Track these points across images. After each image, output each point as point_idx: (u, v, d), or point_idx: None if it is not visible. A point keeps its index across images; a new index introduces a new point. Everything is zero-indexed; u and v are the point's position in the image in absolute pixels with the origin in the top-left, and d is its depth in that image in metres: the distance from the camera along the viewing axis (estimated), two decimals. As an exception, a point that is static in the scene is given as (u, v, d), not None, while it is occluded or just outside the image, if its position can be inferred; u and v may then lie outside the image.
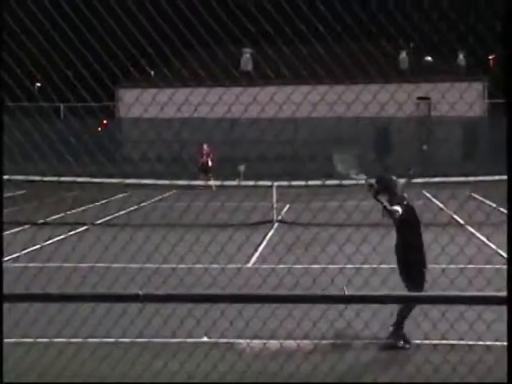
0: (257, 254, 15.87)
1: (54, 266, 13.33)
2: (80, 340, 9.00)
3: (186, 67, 31.46)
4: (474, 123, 39.02)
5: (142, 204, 25.41)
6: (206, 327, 9.19)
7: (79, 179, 21.80)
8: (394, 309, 9.42)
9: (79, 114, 30.72)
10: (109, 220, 21.67)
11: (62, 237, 18.11)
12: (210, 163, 33.80)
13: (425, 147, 39.79)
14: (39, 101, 9.22)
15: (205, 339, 9.51)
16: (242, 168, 34.33)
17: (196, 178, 30.17)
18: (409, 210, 9.66)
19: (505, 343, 4.70)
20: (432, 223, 15.05)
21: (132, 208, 24.02)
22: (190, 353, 8.62)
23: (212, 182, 28.28)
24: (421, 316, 9.06)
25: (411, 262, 9.47)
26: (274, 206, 20.99)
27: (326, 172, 30.04)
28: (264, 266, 14.01)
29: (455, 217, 19.69)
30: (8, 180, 22.64)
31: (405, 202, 9.69)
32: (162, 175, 24.17)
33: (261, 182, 21.77)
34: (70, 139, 9.29)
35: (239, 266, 13.75)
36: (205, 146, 34.22)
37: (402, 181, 10.20)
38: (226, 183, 23.95)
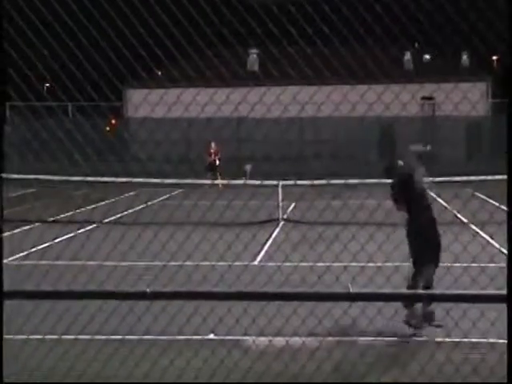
0: (263, 252, 15.96)
1: (63, 264, 13.46)
2: (87, 337, 9.10)
3: (193, 67, 31.53)
4: (477, 123, 39.01)
5: (149, 202, 25.50)
6: (213, 324, 9.28)
7: (88, 178, 21.95)
8: (398, 306, 9.49)
9: (88, 113, 30.84)
10: (117, 218, 21.78)
11: (71, 235, 18.22)
12: (217, 162, 33.74)
13: (429, 147, 39.78)
14: (48, 101, 9.32)
15: (211, 336, 9.61)
16: (248, 167, 34.41)
17: (203, 177, 30.26)
18: (409, 180, 9.93)
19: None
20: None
21: (140, 207, 24.13)
22: (197, 350, 8.72)
23: (219, 181, 28.38)
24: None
25: (418, 236, 9.69)
26: (280, 204, 21.07)
27: (331, 171, 30.10)
28: (270, 264, 14.11)
29: (459, 216, 19.73)
30: (15, 179, 22.81)
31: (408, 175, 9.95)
32: (170, 174, 24.29)
33: (267, 182, 21.87)
34: (79, 139, 9.39)
35: (245, 263, 13.84)
36: (212, 145, 34.10)
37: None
38: (233, 182, 24.05)
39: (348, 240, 9.79)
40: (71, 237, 17.95)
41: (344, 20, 5.75)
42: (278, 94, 8.85)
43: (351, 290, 4.77)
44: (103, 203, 25.73)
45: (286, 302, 8.25)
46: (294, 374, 7.96)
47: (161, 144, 33.28)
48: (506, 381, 4.61)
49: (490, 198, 22.99)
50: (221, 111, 11.21)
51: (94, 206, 24.40)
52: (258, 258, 15.31)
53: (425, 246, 9.74)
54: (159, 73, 37.19)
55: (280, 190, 21.24)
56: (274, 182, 21.71)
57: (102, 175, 22.54)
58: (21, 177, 22.78)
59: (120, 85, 38.68)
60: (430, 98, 38.98)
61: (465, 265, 11.02)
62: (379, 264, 11.60)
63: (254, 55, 42.21)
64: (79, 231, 18.86)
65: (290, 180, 22.06)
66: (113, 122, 44.78)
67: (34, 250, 15.92)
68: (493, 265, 11.71)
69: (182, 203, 21.50)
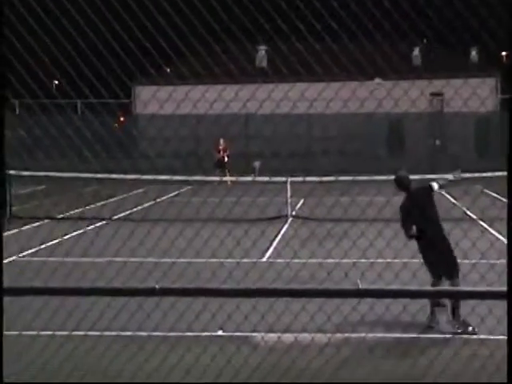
0: (271, 249, 15.98)
1: (73, 261, 13.50)
2: (97, 333, 9.13)
3: (202, 64, 31.57)
4: (486, 119, 38.91)
5: (158, 199, 25.54)
6: (222, 321, 9.30)
7: (97, 175, 22.01)
8: (406, 303, 9.49)
9: (96, 110, 30.90)
10: (126, 215, 21.83)
11: (80, 231, 18.28)
12: (226, 159, 33.66)
13: (437, 143, 39.71)
14: (57, 98, 9.35)
15: (220, 333, 9.63)
16: (256, 164, 34.42)
17: (211, 174, 30.28)
18: (413, 198, 9.98)
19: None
20: (445, 218, 15.08)
21: (149, 203, 24.17)
22: (206, 346, 8.74)
23: (228, 178, 28.39)
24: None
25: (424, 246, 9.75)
26: (289, 201, 21.07)
27: (340, 167, 30.09)
28: (278, 261, 14.12)
29: (468, 212, 19.70)
30: (25, 176, 22.89)
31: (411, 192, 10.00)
32: (178, 171, 24.33)
33: (275, 178, 21.88)
34: (88, 136, 9.42)
35: (254, 260, 13.86)
36: (221, 141, 33.99)
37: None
38: (242, 179, 24.07)
39: (357, 236, 9.79)
40: (80, 233, 18.01)
41: (352, 16, 5.75)
42: (287, 90, 8.85)
43: (360, 287, 4.77)
44: (112, 200, 25.79)
45: (294, 299, 8.26)
46: (302, 369, 7.97)
47: (169, 141, 33.35)
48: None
49: (499, 194, 22.94)
50: (229, 108, 11.21)
51: (103, 202, 24.46)
52: (267, 255, 15.32)
53: (438, 260, 9.73)
54: (168, 70, 37.23)
55: (289, 187, 21.24)
56: (283, 179, 21.72)
57: (111, 172, 22.59)
58: (30, 174, 22.86)
59: (129, 82, 38.76)
60: (439, 94, 38.89)
61: (473, 261, 11.00)
62: (388, 260, 11.59)
63: (262, 51, 42.20)
64: (88, 228, 18.91)
65: (299, 176, 22.06)
66: (121, 118, 44.87)
67: (43, 246, 15.97)
68: (502, 261, 11.68)
69: (190, 200, 21.54)
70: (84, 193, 26.73)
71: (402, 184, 10.32)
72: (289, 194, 21.18)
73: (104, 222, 19.96)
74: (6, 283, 4.93)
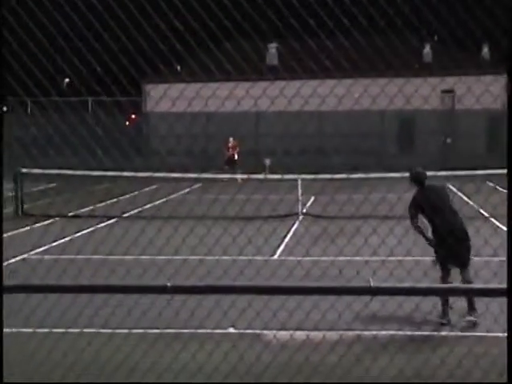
0: (282, 246, 15.96)
1: (84, 258, 13.54)
2: (109, 331, 9.14)
3: (214, 61, 31.55)
4: (498, 116, 38.77)
5: (169, 197, 25.58)
6: (233, 318, 9.30)
7: (109, 173, 22.04)
8: (418, 301, 9.46)
9: (108, 108, 30.95)
10: (138, 212, 21.87)
11: (91, 229, 18.33)
12: (236, 157, 33.60)
13: (449, 140, 39.59)
14: (68, 96, 9.37)
15: (231, 330, 9.63)
16: (267, 161, 34.38)
17: (222, 171, 30.29)
18: (429, 192, 10.14)
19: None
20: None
21: (160, 201, 24.21)
22: (218, 343, 8.75)
23: (239, 176, 28.37)
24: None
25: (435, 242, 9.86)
26: (300, 198, 21.05)
27: (351, 165, 30.06)
28: (290, 258, 14.11)
29: (480, 210, 19.63)
30: (32, 173, 22.97)
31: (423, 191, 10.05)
32: (190, 168, 24.35)
33: (286, 176, 21.86)
34: (99, 133, 9.43)
35: (265, 258, 13.86)
36: (231, 139, 33.94)
37: None
38: (253, 176, 24.07)
39: (368, 234, 9.76)
40: (92, 231, 18.06)
41: (364, 12, 5.73)
42: (298, 87, 8.83)
43: (372, 284, 4.75)
44: (124, 197, 25.84)
45: (306, 296, 8.26)
46: (314, 367, 7.96)
47: (181, 138, 33.38)
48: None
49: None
50: (240, 105, 11.22)
51: (114, 200, 24.52)
52: (278, 252, 15.31)
53: (454, 249, 9.78)
54: (178, 67, 37.25)
55: (300, 184, 21.22)
56: (294, 176, 21.69)
57: (123, 170, 22.63)
58: (41, 172, 22.93)
59: (140, 80, 38.82)
60: (450, 91, 38.78)
61: (486, 259, 10.96)
62: (400, 258, 11.56)
63: (273, 49, 42.14)
64: (100, 225, 18.96)
65: (310, 174, 22.03)
66: (133, 116, 44.97)
67: (54, 244, 16.03)
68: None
69: (202, 197, 21.56)
70: (95, 190, 26.80)
71: (417, 179, 10.41)
72: (300, 191, 21.16)
73: (115, 219, 20.00)
74: (19, 281, 4.94)
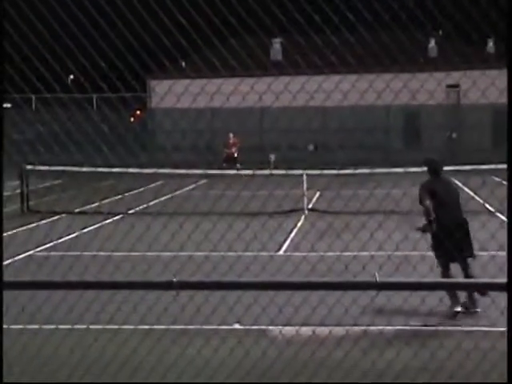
0: (288, 242, 15.96)
1: (90, 255, 13.55)
2: (115, 327, 9.16)
3: (218, 56, 31.53)
4: (503, 110, 38.67)
5: (175, 193, 25.59)
6: (239, 314, 9.30)
7: (114, 169, 22.08)
8: (424, 295, 9.45)
9: (113, 104, 30.95)
10: (143, 209, 21.89)
11: (97, 225, 18.35)
12: (235, 154, 33.05)
13: (454, 135, 39.52)
14: (73, 92, 9.37)
15: (237, 326, 9.63)
16: (272, 157, 34.37)
17: (224, 168, 30.22)
18: (442, 183, 10.45)
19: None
20: (463, 211, 15.01)
21: (166, 197, 24.23)
22: (224, 339, 8.75)
23: (245, 172, 28.30)
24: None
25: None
26: (305, 194, 21.04)
27: (356, 160, 30.03)
28: (296, 254, 14.10)
29: (486, 204, 19.60)
30: (37, 170, 22.99)
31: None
32: (195, 164, 24.36)
33: (291, 171, 21.85)
34: (105, 129, 9.44)
35: (271, 253, 13.85)
36: (231, 136, 33.46)
37: None
38: (258, 172, 24.05)
39: (374, 229, 9.75)
40: (98, 227, 18.08)
41: (369, 7, 5.72)
42: (303, 82, 8.81)
43: (378, 279, 4.74)
44: (129, 194, 25.87)
45: (312, 292, 8.26)
46: (320, 362, 7.96)
47: (186, 134, 33.38)
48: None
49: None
50: (245, 101, 11.21)
51: (120, 196, 24.54)
52: (284, 248, 15.31)
53: (457, 241, 9.92)
54: (183, 63, 37.25)
55: (305, 180, 21.21)
56: (299, 172, 21.68)
57: (128, 166, 22.66)
58: (46, 168, 22.96)
59: (144, 76, 38.83)
60: (456, 86, 38.70)
61: (492, 253, 10.94)
62: (406, 253, 11.55)
63: (277, 45, 42.12)
64: (105, 222, 18.98)
65: (315, 169, 22.02)
66: (138, 112, 45.00)
67: (60, 240, 16.05)
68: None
69: (207, 193, 21.57)
70: (101, 187, 26.82)
71: (432, 166, 10.67)
72: (305, 187, 21.15)
73: (121, 215, 20.02)
74: (25, 277, 4.95)
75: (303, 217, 19.87)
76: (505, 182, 23.07)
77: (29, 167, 22.07)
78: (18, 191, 22.03)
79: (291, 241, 16.13)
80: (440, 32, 39.71)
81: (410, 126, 41.29)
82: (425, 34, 38.21)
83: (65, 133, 9.76)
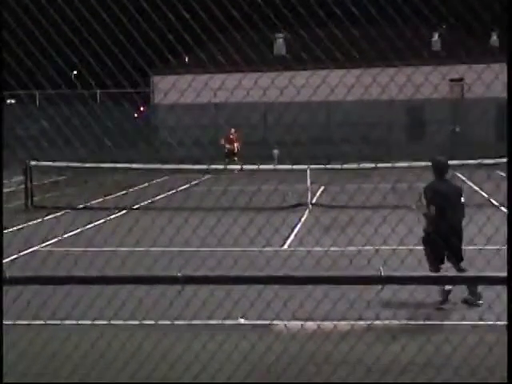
0: (292, 237, 15.96)
1: (95, 250, 13.57)
2: (120, 322, 9.17)
3: (221, 52, 31.53)
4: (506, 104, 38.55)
5: (179, 188, 25.60)
6: (244, 309, 9.31)
7: (118, 165, 22.09)
8: (430, 289, 9.46)
9: (116, 100, 30.97)
10: (148, 204, 21.90)
11: (102, 221, 18.36)
12: (236, 150, 32.77)
13: (458, 129, 39.47)
14: (77, 87, 9.36)
15: (242, 321, 9.64)
16: (275, 152, 34.30)
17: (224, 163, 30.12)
18: (446, 185, 10.56)
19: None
20: (467, 204, 15.00)
21: (170, 192, 24.23)
22: (229, 334, 8.75)
23: (249, 166, 28.18)
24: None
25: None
26: (309, 188, 21.03)
27: (360, 154, 29.97)
28: (300, 248, 14.10)
29: (490, 198, 19.57)
30: (41, 166, 23.01)
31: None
32: (199, 159, 24.35)
33: (296, 166, 21.84)
34: (109, 125, 9.44)
35: (275, 248, 13.85)
36: (232, 131, 33.23)
37: None
38: (262, 167, 24.03)
39: (379, 223, 9.75)
40: (102, 223, 18.10)
41: (372, 0, 5.70)
42: (307, 77, 8.82)
43: (383, 273, 4.74)
44: (134, 189, 25.88)
45: (317, 286, 8.26)
46: (325, 357, 7.96)
47: (189, 130, 33.37)
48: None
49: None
50: (249, 96, 11.21)
51: (124, 191, 24.56)
52: (288, 242, 15.31)
53: (450, 246, 10.26)
54: (186, 58, 37.22)
55: (309, 174, 21.20)
56: (303, 167, 21.67)
57: (132, 161, 22.68)
58: (50, 164, 22.99)
59: (148, 71, 38.82)
60: (459, 80, 38.63)
61: (497, 247, 10.92)
62: (410, 247, 11.53)
63: (280, 39, 42.06)
64: (110, 217, 18.99)
65: (319, 164, 22.00)
66: (141, 108, 44.99)
67: (65, 236, 16.07)
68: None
69: (211, 188, 21.57)
70: (105, 182, 26.84)
71: (437, 167, 10.72)
72: (309, 181, 21.14)
73: (125, 211, 20.03)
74: (29, 273, 4.95)
75: (307, 211, 19.87)
76: (509, 176, 22.68)
77: (33, 163, 22.09)
78: (23, 187, 22.04)
79: (295, 235, 16.13)
80: (444, 26, 39.64)
81: (413, 120, 41.24)
82: (428, 28, 38.11)
83: (69, 128, 9.76)
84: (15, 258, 13.51)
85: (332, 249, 12.48)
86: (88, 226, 17.49)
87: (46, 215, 19.51)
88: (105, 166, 23.24)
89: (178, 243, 12.55)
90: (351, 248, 12.21)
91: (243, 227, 10.07)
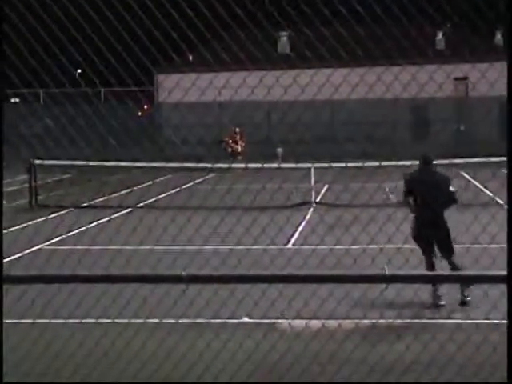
0: (296, 235, 15.95)
1: (99, 249, 13.58)
2: (125, 321, 9.17)
3: (225, 50, 31.53)
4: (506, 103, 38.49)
5: (183, 186, 25.59)
6: (248, 307, 9.30)
7: (122, 163, 22.09)
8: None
9: (120, 98, 30.98)
10: (152, 202, 21.90)
11: (106, 219, 18.37)
12: (240, 149, 32.75)
13: (462, 127, 39.41)
14: (81, 86, 9.37)
15: (246, 319, 9.63)
16: (279, 150, 34.27)
17: (233, 162, 30.11)
18: (429, 175, 10.59)
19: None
20: (472, 203, 15.00)
21: (174, 190, 24.23)
22: (233, 332, 8.75)
23: (253, 165, 28.17)
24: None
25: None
26: (313, 187, 21.02)
27: (364, 153, 29.98)
28: (304, 247, 14.09)
29: (496, 198, 19.53)
30: (46, 164, 23.02)
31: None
32: (203, 158, 24.36)
33: (300, 164, 21.82)
34: (113, 123, 9.44)
35: (280, 247, 13.84)
36: (237, 130, 33.21)
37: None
38: (266, 166, 24.02)
39: (383, 222, 9.73)
40: (106, 221, 18.10)
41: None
42: (311, 75, 8.79)
43: (387, 272, 4.73)
44: (137, 188, 25.88)
45: (321, 285, 8.24)
46: (330, 355, 7.95)
47: (193, 128, 33.36)
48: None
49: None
50: (254, 94, 11.20)
51: (128, 190, 24.56)
52: (292, 241, 15.30)
53: (432, 238, 10.32)
54: (190, 57, 37.23)
55: (313, 173, 21.18)
56: (307, 165, 21.65)
57: (136, 160, 22.68)
58: (54, 163, 23.00)
59: (152, 69, 38.83)
60: (464, 79, 38.57)
61: (502, 245, 10.90)
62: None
63: (284, 38, 42.03)
64: (114, 216, 19.00)
65: (323, 163, 21.99)
66: (145, 107, 45.01)
67: (69, 234, 16.08)
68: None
69: (215, 187, 21.56)
70: (109, 181, 26.85)
71: (426, 160, 10.71)
72: (313, 180, 21.12)
73: (129, 209, 20.03)
74: (34, 272, 4.95)
75: (311, 210, 19.85)
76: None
77: (37, 161, 22.10)
78: (27, 185, 22.05)
79: (300, 234, 16.12)
80: (448, 24, 39.58)
81: (418, 118, 41.18)
82: (433, 27, 38.06)
83: (73, 127, 9.77)
84: (19, 257, 13.52)
85: (336, 247, 12.45)
86: (92, 225, 17.50)
87: (50, 214, 19.52)
88: (109, 165, 23.24)
89: (181, 242, 12.55)
90: (355, 247, 12.19)
91: (247, 226, 10.07)
